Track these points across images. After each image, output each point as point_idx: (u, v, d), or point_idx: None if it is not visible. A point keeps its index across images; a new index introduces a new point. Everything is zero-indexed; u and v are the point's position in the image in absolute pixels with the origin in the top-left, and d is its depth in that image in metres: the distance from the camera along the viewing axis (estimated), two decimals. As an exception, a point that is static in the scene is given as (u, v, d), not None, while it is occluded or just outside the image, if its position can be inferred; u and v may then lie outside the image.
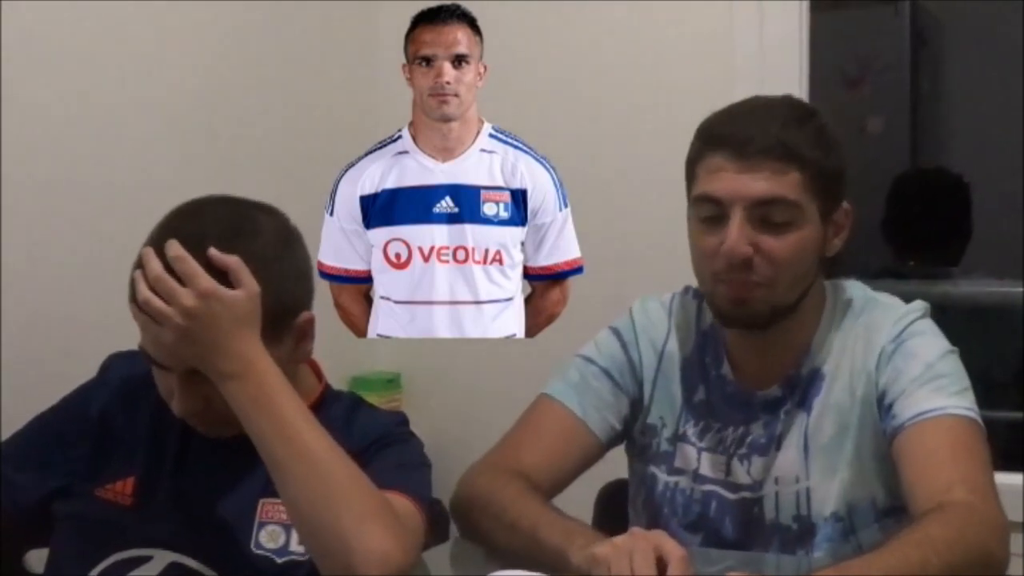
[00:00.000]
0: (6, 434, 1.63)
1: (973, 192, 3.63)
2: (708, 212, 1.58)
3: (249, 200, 1.51)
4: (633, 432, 1.76)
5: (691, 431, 1.71)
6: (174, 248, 1.39)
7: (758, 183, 1.54)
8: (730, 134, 1.57)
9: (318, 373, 1.63)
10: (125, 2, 2.22)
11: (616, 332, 1.76)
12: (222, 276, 1.40)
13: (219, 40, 2.44)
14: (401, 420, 1.63)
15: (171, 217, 1.47)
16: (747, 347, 1.68)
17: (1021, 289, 3.24)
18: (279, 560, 1.50)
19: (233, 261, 1.40)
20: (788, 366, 1.66)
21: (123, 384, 1.61)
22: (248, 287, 1.41)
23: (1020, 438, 2.71)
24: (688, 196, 1.64)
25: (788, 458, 1.64)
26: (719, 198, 1.56)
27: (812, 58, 2.65)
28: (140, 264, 1.41)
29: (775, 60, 2.61)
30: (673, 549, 1.37)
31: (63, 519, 1.57)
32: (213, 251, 1.40)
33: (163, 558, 1.51)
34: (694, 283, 1.67)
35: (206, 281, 1.38)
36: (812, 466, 1.63)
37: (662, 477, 1.71)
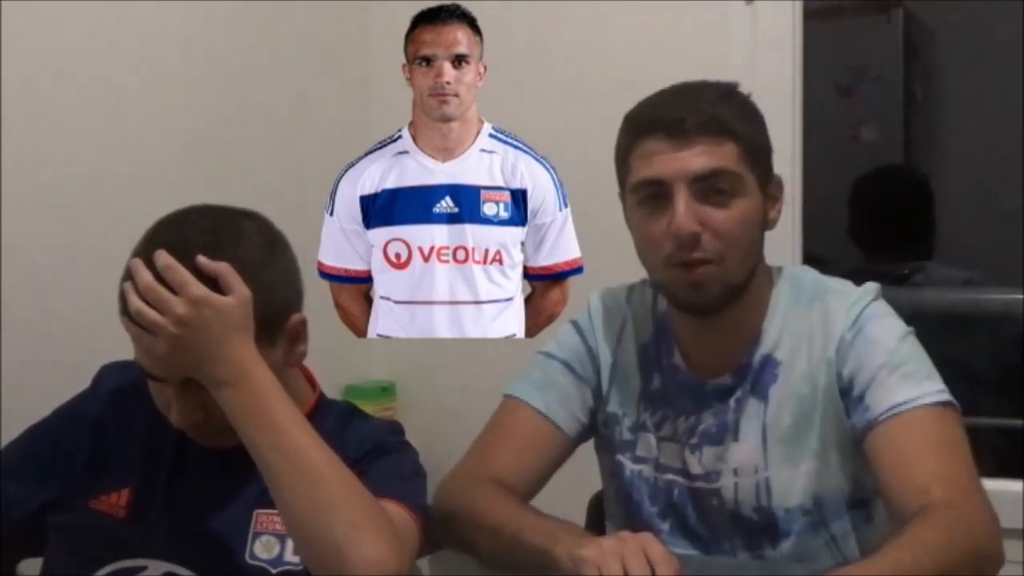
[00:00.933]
0: (5, 440, 1.63)
1: (967, 198, 3.66)
2: (649, 194, 1.57)
3: (231, 207, 1.51)
4: (597, 423, 1.75)
5: (649, 420, 1.70)
6: (163, 258, 1.39)
7: (698, 158, 1.54)
8: (661, 117, 1.56)
9: (312, 382, 1.63)
10: (121, 3, 2.22)
11: (575, 324, 1.76)
12: (212, 284, 1.40)
13: (216, 42, 2.44)
14: (396, 429, 1.63)
15: (155, 229, 1.47)
16: (697, 335, 1.67)
17: (1020, 296, 3.25)
18: (274, 570, 1.50)
19: (223, 267, 1.41)
20: (739, 354, 1.65)
21: (116, 395, 1.60)
22: (239, 293, 1.41)
23: (1011, 445, 2.72)
24: (622, 189, 1.63)
25: (747, 448, 1.63)
26: (660, 178, 1.55)
27: (805, 66, 2.66)
28: (129, 276, 1.41)
29: (768, 68, 2.62)
30: (661, 552, 1.38)
31: (57, 530, 1.56)
32: (201, 259, 1.40)
33: (158, 568, 1.50)
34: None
35: (197, 288, 1.38)
36: (771, 456, 1.62)
37: (628, 465, 1.71)
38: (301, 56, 2.64)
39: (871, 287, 1.67)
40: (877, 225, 3.56)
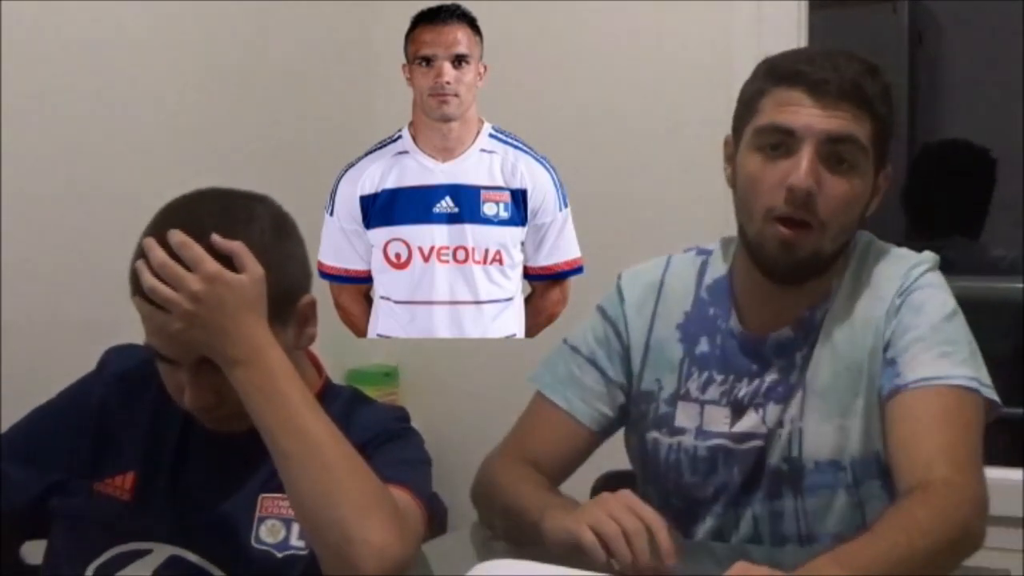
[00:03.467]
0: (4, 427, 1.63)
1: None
2: (774, 141, 1.57)
3: (240, 190, 1.52)
4: (628, 409, 1.74)
5: (693, 386, 1.68)
6: (177, 236, 1.40)
7: (835, 120, 1.53)
8: (808, 72, 1.56)
9: (318, 367, 1.64)
10: (123, 3, 2.22)
11: (601, 309, 1.74)
12: (226, 264, 1.41)
13: (217, 41, 2.44)
14: (401, 415, 1.64)
15: (165, 211, 1.47)
16: (767, 294, 1.64)
17: (1020, 285, 3.25)
18: (279, 554, 1.51)
19: (236, 246, 1.41)
20: (802, 308, 1.64)
21: (122, 379, 1.61)
22: (253, 271, 1.41)
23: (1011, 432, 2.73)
24: (736, 132, 1.63)
25: (794, 400, 1.62)
26: (793, 129, 1.55)
27: (810, 55, 2.66)
28: (142, 255, 1.42)
29: (773, 58, 2.62)
30: (647, 508, 1.41)
31: (61, 514, 1.57)
32: (216, 237, 1.40)
33: (162, 551, 1.51)
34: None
35: (212, 265, 1.39)
36: (808, 406, 1.61)
37: (664, 440, 1.70)
38: (304, 56, 2.64)
39: (929, 256, 1.66)
40: (931, 195, 3.56)
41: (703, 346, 1.68)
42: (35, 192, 2.08)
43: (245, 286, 1.40)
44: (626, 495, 1.45)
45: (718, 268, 1.71)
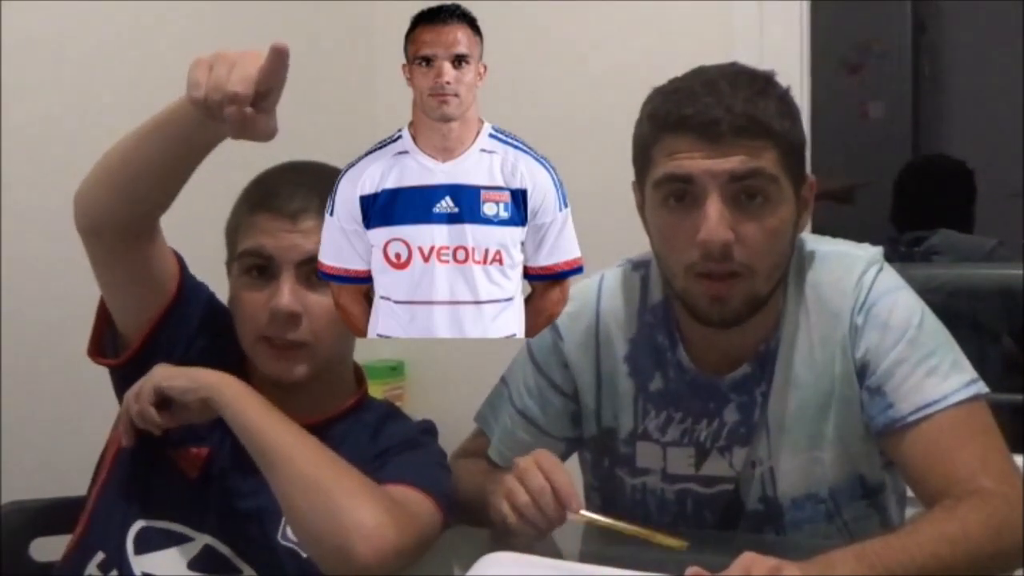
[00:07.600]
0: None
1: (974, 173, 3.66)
2: (675, 192, 1.46)
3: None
4: (586, 441, 1.71)
5: (652, 426, 1.64)
6: None
7: (735, 158, 1.42)
8: (692, 116, 1.44)
9: (360, 378, 1.66)
10: (123, 3, 2.22)
11: (532, 358, 1.72)
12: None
13: (218, 42, 2.43)
14: (428, 428, 1.67)
15: (270, 169, 1.70)
16: (710, 334, 1.58)
17: (1020, 271, 3.26)
18: (304, 553, 1.53)
19: None
20: (757, 341, 1.57)
21: None
22: None
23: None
24: (639, 181, 1.53)
25: (760, 438, 1.58)
26: (691, 176, 1.43)
27: (813, 43, 2.66)
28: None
29: (775, 46, 2.62)
30: (552, 461, 1.44)
31: (126, 456, 1.62)
32: None
33: (200, 540, 1.54)
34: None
35: None
36: (775, 443, 1.56)
37: (628, 480, 1.66)
38: (304, 56, 2.63)
39: (874, 254, 1.56)
40: (920, 213, 3.57)
41: (657, 382, 1.63)
42: (35, 195, 2.09)
43: None
44: (536, 454, 1.44)
45: (657, 291, 1.63)
